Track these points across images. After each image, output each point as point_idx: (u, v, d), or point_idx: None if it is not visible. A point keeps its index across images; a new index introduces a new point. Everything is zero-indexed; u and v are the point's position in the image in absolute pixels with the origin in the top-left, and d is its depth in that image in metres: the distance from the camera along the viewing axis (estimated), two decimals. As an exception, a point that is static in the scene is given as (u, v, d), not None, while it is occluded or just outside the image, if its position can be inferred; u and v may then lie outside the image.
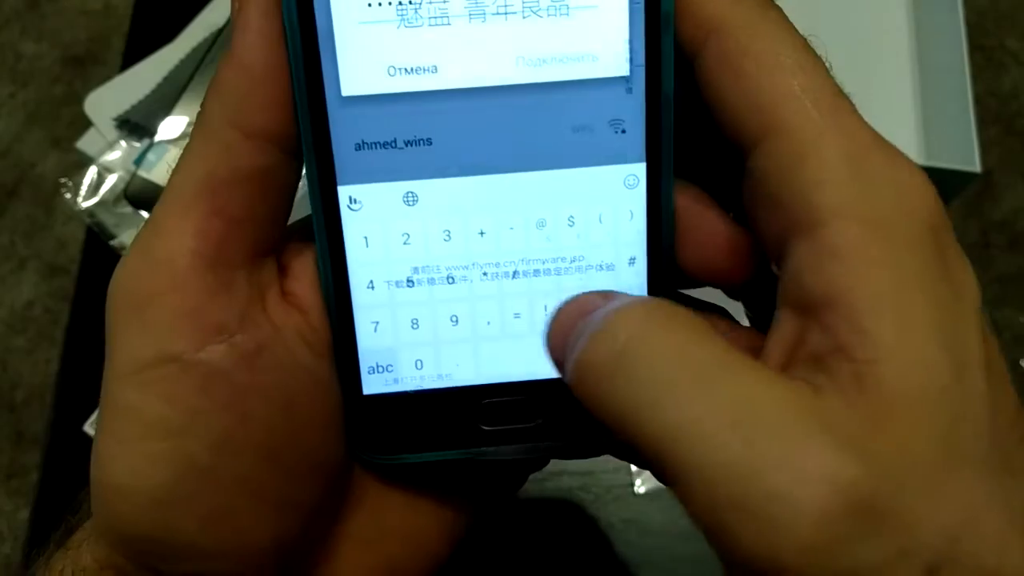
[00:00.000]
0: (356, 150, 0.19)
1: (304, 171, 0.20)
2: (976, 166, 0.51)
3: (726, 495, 0.14)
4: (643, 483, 0.45)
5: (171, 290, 0.18)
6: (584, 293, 0.18)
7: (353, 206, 0.20)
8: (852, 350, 0.16)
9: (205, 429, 0.18)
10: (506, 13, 0.19)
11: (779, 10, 0.18)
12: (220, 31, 0.57)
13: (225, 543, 0.19)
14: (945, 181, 0.53)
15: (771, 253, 0.18)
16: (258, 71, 0.18)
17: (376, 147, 0.19)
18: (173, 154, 0.54)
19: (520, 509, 0.44)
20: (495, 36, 0.19)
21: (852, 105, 0.18)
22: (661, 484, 0.26)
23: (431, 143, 0.19)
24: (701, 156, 0.21)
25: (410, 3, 0.18)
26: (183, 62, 0.57)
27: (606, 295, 0.18)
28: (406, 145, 0.19)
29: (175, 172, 0.19)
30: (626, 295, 0.18)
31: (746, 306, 0.23)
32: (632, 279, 0.21)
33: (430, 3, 0.18)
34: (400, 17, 0.19)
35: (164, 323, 0.18)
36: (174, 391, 0.18)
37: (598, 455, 0.24)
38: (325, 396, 0.20)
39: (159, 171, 0.54)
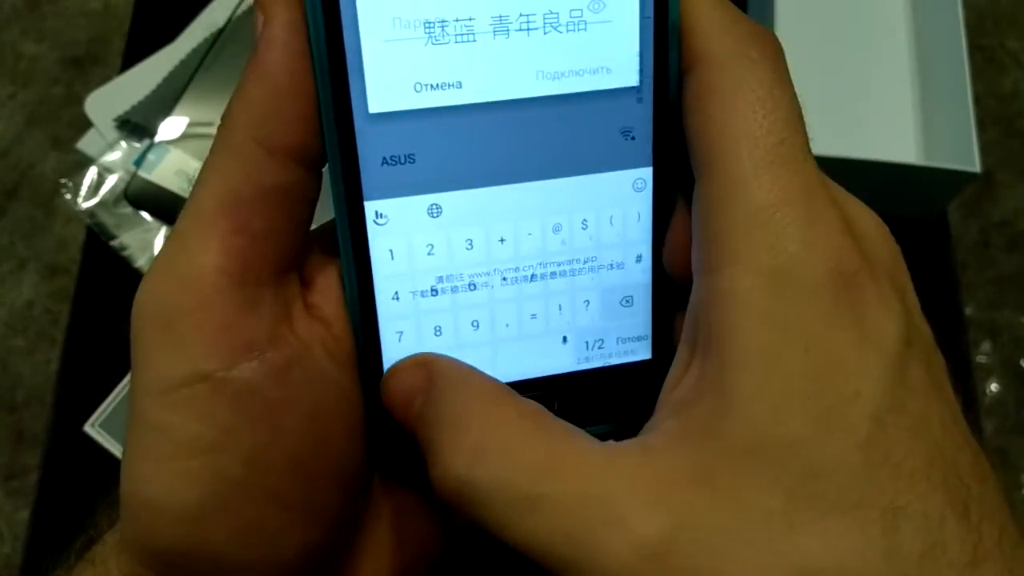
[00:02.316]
0: (382, 165, 0.20)
1: (330, 185, 0.20)
2: (976, 166, 0.51)
3: None
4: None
5: (199, 308, 0.18)
6: (403, 366, 0.20)
7: (379, 220, 0.20)
8: (712, 398, 0.16)
9: (238, 445, 0.18)
10: (528, 29, 0.19)
11: (763, 48, 0.18)
12: (220, 31, 0.57)
13: (255, 554, 0.19)
14: (945, 181, 0.53)
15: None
16: (283, 87, 0.18)
17: (402, 162, 0.20)
18: (173, 155, 0.54)
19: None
20: (518, 51, 0.19)
21: (799, 152, 0.17)
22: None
23: (454, 156, 0.20)
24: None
25: (437, 21, 0.19)
26: (183, 63, 0.57)
27: (425, 365, 0.20)
28: (431, 158, 0.20)
29: (197, 185, 0.19)
30: (453, 379, 0.19)
31: None
32: (639, 275, 0.21)
33: (457, 20, 0.19)
34: (428, 35, 0.19)
35: (194, 342, 0.18)
36: (207, 409, 0.18)
37: None
38: (349, 406, 0.21)
39: (159, 172, 0.54)
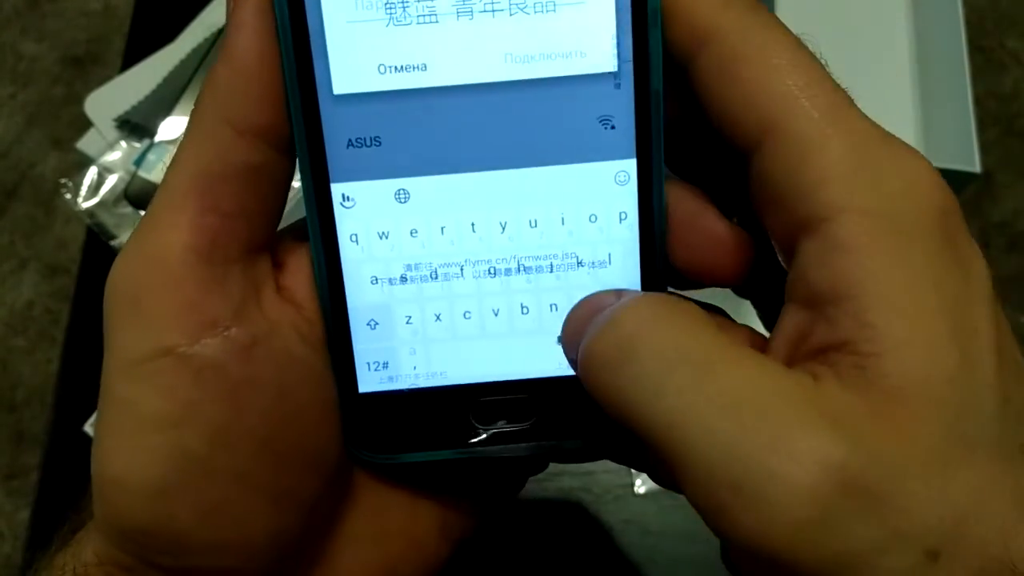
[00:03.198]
0: (348, 147, 0.19)
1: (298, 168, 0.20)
2: (976, 166, 0.51)
3: (722, 477, 0.15)
4: (643, 483, 0.45)
5: (165, 284, 0.18)
6: (598, 292, 0.19)
7: (346, 203, 0.20)
8: (857, 344, 0.16)
9: (201, 421, 0.18)
10: (493, 11, 0.19)
11: (767, 12, 0.18)
12: (220, 31, 0.57)
13: (222, 535, 0.19)
14: (945, 181, 0.53)
15: (781, 252, 0.18)
16: (251, 69, 0.18)
17: (368, 144, 0.19)
18: (173, 155, 0.54)
19: (520, 509, 0.44)
20: (483, 34, 0.19)
21: (850, 99, 0.18)
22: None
23: (422, 140, 0.19)
24: (701, 159, 0.21)
25: (399, 2, 0.19)
26: (183, 62, 0.57)
27: (619, 292, 0.19)
28: (397, 142, 0.19)
29: (170, 168, 0.19)
30: (637, 292, 0.18)
31: (755, 305, 0.23)
32: (625, 276, 0.21)
33: (418, 2, 0.19)
34: (389, 15, 0.19)
35: (159, 317, 0.18)
36: (169, 384, 0.18)
37: (595, 459, 0.24)
38: (320, 389, 0.21)
39: (159, 172, 0.54)
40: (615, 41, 0.19)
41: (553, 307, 0.21)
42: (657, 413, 0.15)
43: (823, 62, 0.18)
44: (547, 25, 0.19)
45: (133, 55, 0.59)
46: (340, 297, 0.20)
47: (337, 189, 0.20)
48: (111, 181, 0.55)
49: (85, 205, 0.54)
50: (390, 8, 0.19)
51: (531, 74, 0.19)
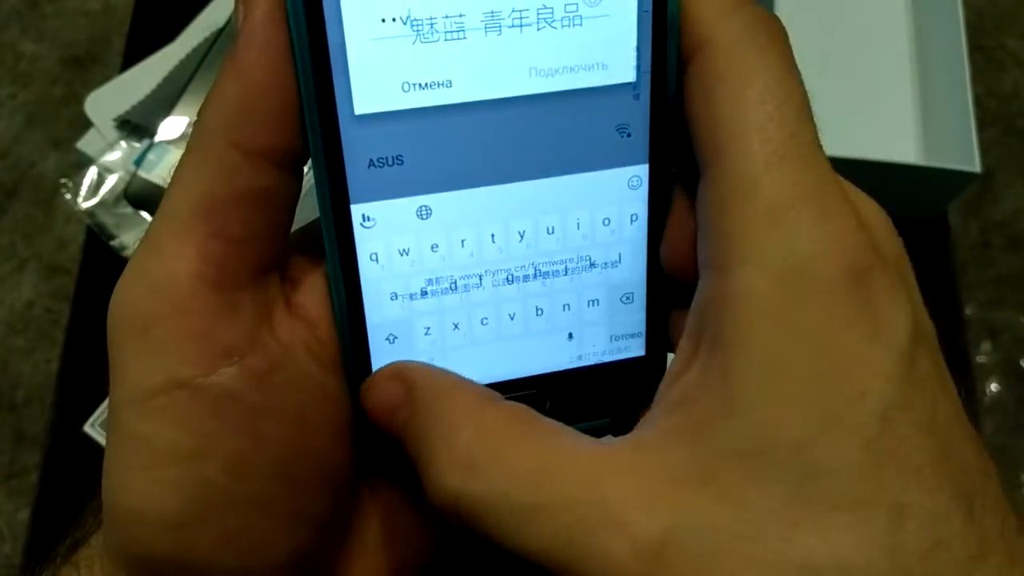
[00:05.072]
0: (369, 167, 0.19)
1: (307, 185, 0.20)
2: (976, 166, 0.51)
3: (557, 565, 0.16)
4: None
5: (175, 314, 0.18)
6: (382, 383, 0.20)
7: (366, 223, 0.20)
8: (713, 398, 0.16)
9: (219, 452, 0.18)
10: (521, 25, 0.19)
11: (771, 34, 0.18)
12: (220, 31, 0.57)
13: (241, 562, 0.19)
14: (945, 181, 0.53)
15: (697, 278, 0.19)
16: (261, 87, 0.18)
17: (389, 164, 0.19)
18: (173, 155, 0.54)
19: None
20: (510, 48, 0.19)
21: (808, 143, 0.17)
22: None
23: (444, 156, 0.19)
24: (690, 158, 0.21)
25: (426, 19, 0.18)
26: (183, 62, 0.57)
27: (404, 381, 0.19)
28: (419, 160, 0.19)
29: (172, 187, 0.18)
30: (429, 389, 0.19)
31: None
32: (634, 273, 0.21)
33: (446, 18, 0.18)
34: (415, 32, 0.18)
35: (171, 348, 0.18)
36: (185, 417, 0.18)
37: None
38: (334, 409, 0.20)
39: (159, 171, 0.54)
40: (636, 53, 0.19)
41: (566, 307, 0.21)
42: (513, 548, 0.17)
43: (808, 103, 0.17)
44: (572, 38, 0.19)
45: (133, 55, 0.59)
46: (359, 316, 0.20)
47: (357, 210, 0.19)
48: (111, 181, 0.55)
49: (85, 205, 0.55)
50: (416, 25, 0.18)
51: (554, 87, 0.19)
